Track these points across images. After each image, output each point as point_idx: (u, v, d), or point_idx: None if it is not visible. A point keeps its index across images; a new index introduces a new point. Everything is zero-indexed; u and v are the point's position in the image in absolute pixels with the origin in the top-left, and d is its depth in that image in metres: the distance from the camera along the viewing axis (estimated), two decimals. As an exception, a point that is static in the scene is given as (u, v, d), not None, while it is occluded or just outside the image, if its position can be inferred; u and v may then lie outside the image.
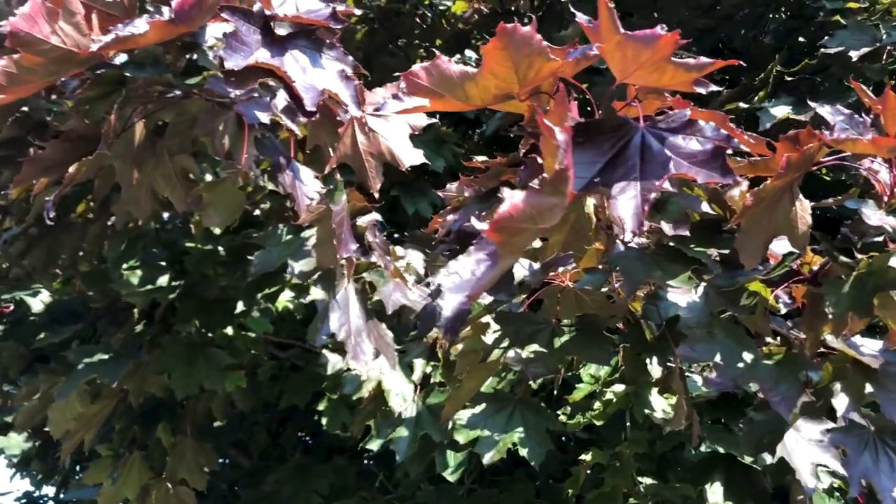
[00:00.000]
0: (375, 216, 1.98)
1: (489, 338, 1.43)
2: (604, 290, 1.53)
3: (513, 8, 3.34)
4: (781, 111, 2.30)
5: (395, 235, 2.82)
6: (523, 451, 2.05)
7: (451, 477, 2.12)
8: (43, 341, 2.33)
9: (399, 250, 2.26)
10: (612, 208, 0.90)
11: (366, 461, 3.12)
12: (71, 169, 1.43)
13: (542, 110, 1.25)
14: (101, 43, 1.18)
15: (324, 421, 2.55)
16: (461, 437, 2.14)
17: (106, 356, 2.13)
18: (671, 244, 1.20)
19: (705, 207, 1.21)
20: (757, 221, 1.13)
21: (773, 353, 1.22)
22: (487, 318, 1.46)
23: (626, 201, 0.91)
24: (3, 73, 1.22)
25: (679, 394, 1.28)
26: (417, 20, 3.39)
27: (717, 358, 1.18)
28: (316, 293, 1.93)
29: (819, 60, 2.32)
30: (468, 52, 3.68)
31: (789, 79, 2.35)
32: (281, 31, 1.43)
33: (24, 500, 4.29)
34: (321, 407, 2.54)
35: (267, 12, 1.37)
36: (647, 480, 1.96)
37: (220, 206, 1.66)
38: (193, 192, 1.65)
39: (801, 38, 2.46)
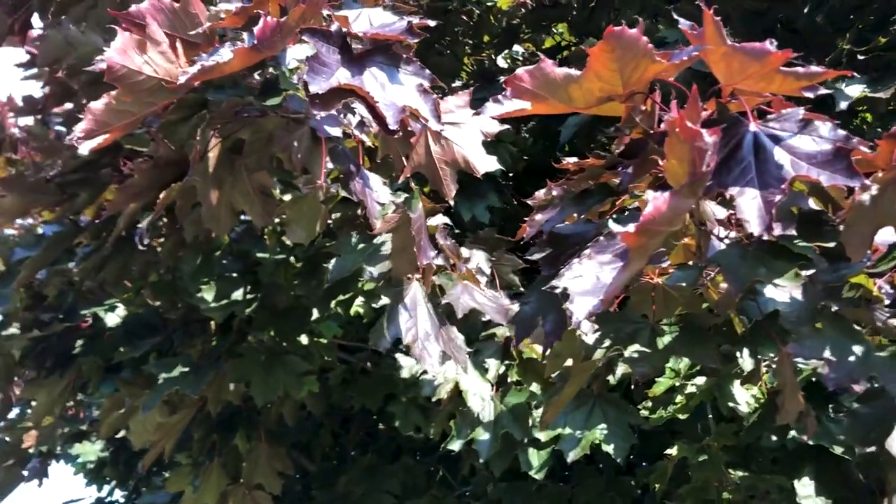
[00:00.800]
0: (444, 219, 1.99)
1: (590, 338, 1.42)
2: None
3: (560, 1, 3.31)
4: (856, 90, 2.24)
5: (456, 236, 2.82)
6: (607, 448, 2.05)
7: (538, 475, 2.12)
8: (122, 355, 2.38)
9: (464, 251, 2.26)
10: (736, 210, 0.89)
11: (434, 461, 3.14)
12: (161, 195, 1.45)
13: (639, 112, 1.25)
14: (189, 75, 1.19)
15: (397, 423, 2.57)
16: (543, 436, 2.15)
17: (186, 368, 2.17)
18: (773, 240, 1.19)
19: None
20: (864, 214, 1.11)
21: (885, 345, 1.20)
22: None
23: (748, 202, 0.90)
24: (107, 111, 1.24)
25: (789, 386, 1.27)
26: (464, 17, 3.38)
27: (828, 353, 1.16)
28: (386, 298, 1.95)
29: (892, 37, 2.25)
30: (517, 48, 3.67)
31: (861, 57, 2.30)
32: (357, 48, 1.44)
33: (98, 506, 4.40)
34: (393, 409, 2.57)
35: (345, 31, 1.37)
36: (739, 473, 1.94)
37: (303, 221, 1.67)
38: (277, 211, 1.67)
39: (869, 17, 2.40)
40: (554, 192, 1.64)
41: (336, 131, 1.64)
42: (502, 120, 1.87)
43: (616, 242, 1.07)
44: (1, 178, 2.05)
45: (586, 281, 1.02)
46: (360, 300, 2.30)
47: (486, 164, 1.66)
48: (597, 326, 1.47)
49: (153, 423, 2.49)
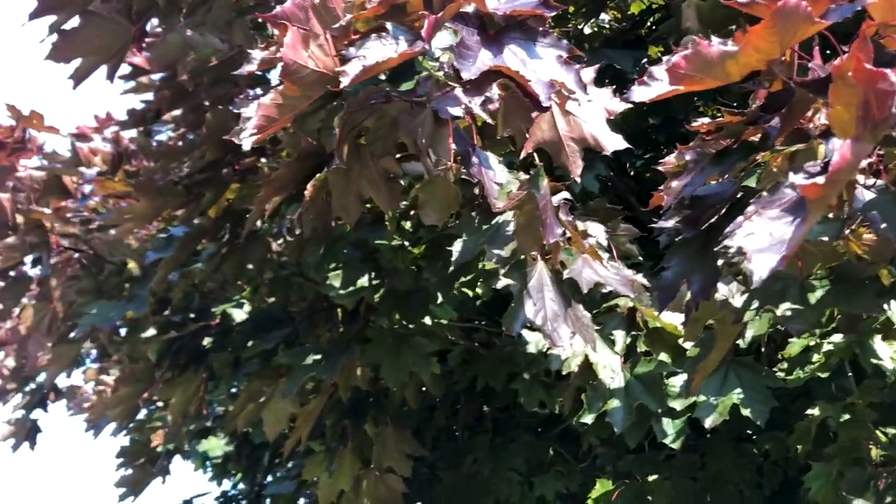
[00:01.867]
0: (566, 195, 1.98)
1: (737, 300, 1.40)
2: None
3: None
4: None
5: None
6: (746, 411, 2.01)
7: (675, 444, 2.10)
8: (252, 349, 2.46)
9: (579, 224, 2.25)
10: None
11: (554, 438, 3.14)
12: (309, 187, 1.49)
13: (777, 63, 1.21)
14: (353, 75, 1.21)
15: (521, 400, 2.58)
16: (677, 404, 2.12)
17: (318, 356, 2.23)
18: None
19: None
20: None
21: None
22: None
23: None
24: (274, 106, 1.28)
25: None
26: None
27: None
28: (508, 279, 1.96)
29: None
30: (603, 16, 3.60)
31: None
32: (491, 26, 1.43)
33: (221, 500, 4.58)
34: (516, 386, 2.58)
35: (481, 12, 1.37)
36: (890, 430, 1.88)
37: (436, 203, 1.69)
38: (411, 193, 1.70)
39: None
40: (687, 157, 1.61)
41: (458, 111, 1.64)
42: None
43: (782, 196, 1.05)
44: (134, 183, 2.14)
45: (761, 238, 0.99)
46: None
47: (614, 142, 1.64)
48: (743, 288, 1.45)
49: (285, 413, 2.57)
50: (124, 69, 3.37)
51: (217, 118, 1.98)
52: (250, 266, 2.66)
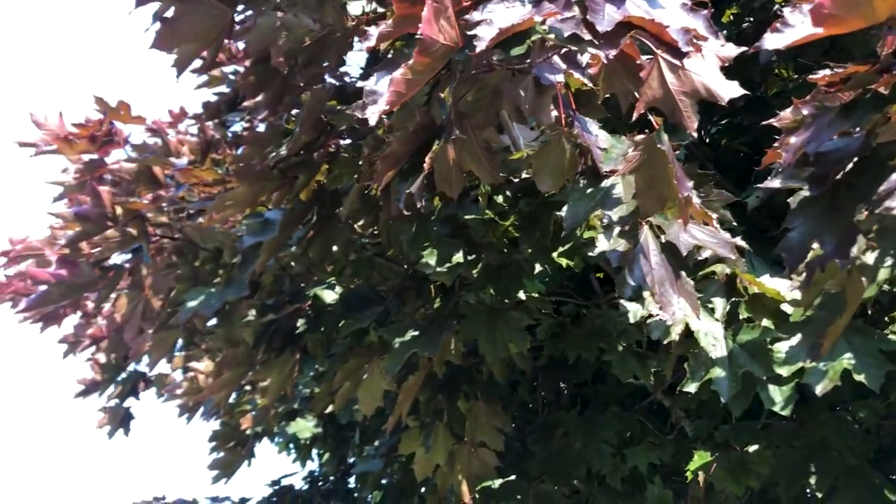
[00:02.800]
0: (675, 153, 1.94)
1: (869, 257, 1.35)
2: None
3: None
4: None
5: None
6: (859, 377, 1.95)
7: (784, 411, 2.05)
8: (346, 328, 2.49)
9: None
10: None
11: (642, 410, 3.11)
12: (427, 159, 1.49)
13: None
14: (486, 40, 1.20)
15: (614, 371, 2.57)
16: (784, 371, 2.08)
17: (416, 332, 2.25)
18: None
19: None
20: None
21: None
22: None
23: None
24: (404, 81, 1.28)
25: None
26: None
27: None
28: (603, 244, 1.93)
29: None
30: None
31: None
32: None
33: (308, 480, 4.67)
34: (609, 358, 2.57)
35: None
36: None
37: (549, 170, 1.68)
38: (525, 161, 1.69)
39: None
40: (804, 111, 1.56)
41: (559, 77, 1.63)
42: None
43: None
44: (233, 169, 2.18)
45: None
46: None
47: (730, 90, 1.59)
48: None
49: (379, 390, 2.60)
50: (196, 63, 3.44)
51: (315, 99, 2.00)
52: (335, 248, 2.70)
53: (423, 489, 3.87)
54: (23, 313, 2.34)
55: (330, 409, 3.74)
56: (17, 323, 2.49)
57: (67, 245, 2.21)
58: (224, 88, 3.99)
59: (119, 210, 2.28)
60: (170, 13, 1.77)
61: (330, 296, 2.63)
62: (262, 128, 2.90)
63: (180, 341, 4.81)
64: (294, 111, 2.46)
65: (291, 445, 5.03)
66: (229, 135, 3.55)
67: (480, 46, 1.19)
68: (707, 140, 3.55)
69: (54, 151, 3.02)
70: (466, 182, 1.84)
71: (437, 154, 1.75)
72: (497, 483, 2.69)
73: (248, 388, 3.98)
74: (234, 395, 4.01)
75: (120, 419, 4.75)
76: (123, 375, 4.74)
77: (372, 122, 1.25)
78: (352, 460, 4.37)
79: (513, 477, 2.74)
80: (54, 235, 2.31)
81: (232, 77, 3.94)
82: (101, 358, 4.48)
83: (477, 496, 2.66)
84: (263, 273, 2.82)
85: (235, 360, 2.54)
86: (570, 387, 3.72)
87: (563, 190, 1.88)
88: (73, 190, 3.42)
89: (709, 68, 1.62)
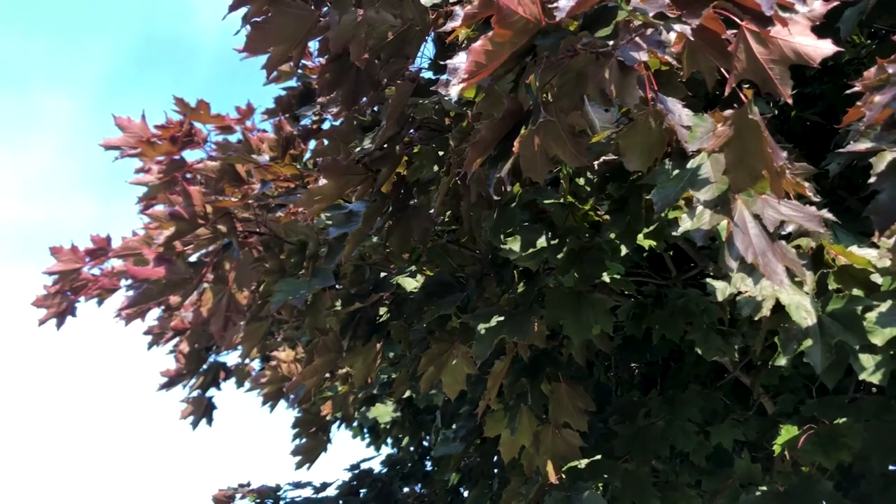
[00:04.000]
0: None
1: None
2: None
3: None
4: None
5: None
6: (962, 342, 1.92)
7: (878, 379, 2.03)
8: (430, 315, 2.54)
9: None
10: None
11: (724, 389, 3.10)
12: (516, 144, 1.52)
13: None
14: (567, 9, 1.23)
15: (699, 350, 2.57)
16: (878, 339, 2.06)
17: (502, 317, 2.28)
18: None
19: None
20: None
21: None
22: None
23: None
24: (483, 53, 1.31)
25: None
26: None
27: None
28: (686, 223, 1.93)
29: None
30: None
31: None
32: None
33: (387, 463, 4.78)
34: (693, 337, 2.57)
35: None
36: None
37: (638, 150, 1.69)
38: (616, 139, 1.70)
39: None
40: (889, 70, 1.53)
41: (643, 56, 1.64)
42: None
43: None
44: (321, 165, 2.24)
45: None
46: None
47: (822, 48, 1.57)
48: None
49: (462, 374, 2.65)
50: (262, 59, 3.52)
51: (400, 93, 2.05)
52: (413, 237, 2.75)
53: (498, 470, 3.93)
54: (125, 310, 2.45)
55: (408, 394, 3.83)
56: (111, 318, 2.60)
57: (164, 244, 2.30)
58: (293, 83, 4.07)
59: (209, 208, 2.36)
60: (259, 17, 1.83)
61: (411, 284, 2.69)
62: (334, 122, 2.97)
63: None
64: (370, 105, 2.51)
65: (366, 431, 5.15)
66: (300, 128, 3.63)
67: (560, 15, 1.22)
68: (777, 112, 3.50)
69: (138, 154, 3.14)
70: (552, 167, 1.86)
71: (524, 139, 1.78)
72: (583, 463, 2.72)
73: (327, 375, 4.08)
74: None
75: (203, 409, 4.92)
76: (204, 367, 4.90)
77: (453, 97, 1.29)
78: (429, 444, 4.46)
79: (598, 457, 2.76)
80: (149, 235, 2.41)
81: (300, 72, 4.02)
82: (185, 349, 4.64)
83: (564, 476, 2.69)
84: (344, 263, 2.89)
85: (326, 348, 2.62)
86: (640, 367, 3.72)
87: (651, 172, 1.89)
88: (156, 190, 3.55)
89: (798, 30, 1.60)
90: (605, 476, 2.70)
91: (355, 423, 4.85)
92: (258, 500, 4.51)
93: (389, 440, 4.60)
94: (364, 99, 2.64)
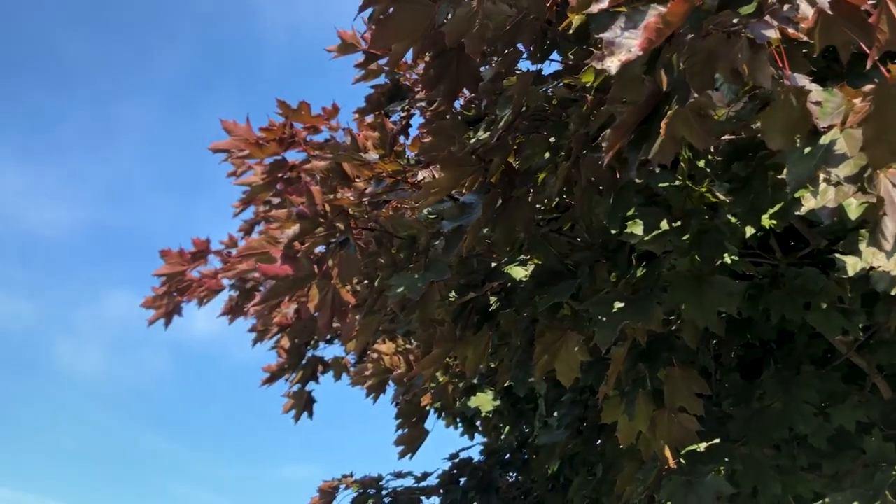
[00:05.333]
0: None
1: None
2: None
3: None
4: None
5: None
6: None
7: None
8: (543, 304, 2.55)
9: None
10: None
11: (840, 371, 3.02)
12: (662, 125, 1.52)
13: None
14: None
15: (820, 329, 2.51)
16: None
17: (622, 303, 2.28)
18: None
19: None
20: None
21: None
22: None
23: None
24: (655, 29, 1.32)
25: None
26: None
27: None
28: (811, 202, 1.89)
29: None
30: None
31: None
32: None
33: (486, 452, 4.82)
34: (813, 316, 2.51)
35: None
36: None
37: (779, 128, 1.67)
38: (730, 123, 1.68)
39: None
40: None
41: (772, 33, 1.62)
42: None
43: None
44: (439, 157, 2.28)
45: None
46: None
47: None
48: None
49: (576, 362, 2.65)
50: (357, 57, 3.58)
51: (521, 82, 2.06)
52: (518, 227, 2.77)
53: (602, 458, 3.92)
54: (254, 306, 2.53)
55: (507, 383, 3.85)
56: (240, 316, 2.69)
57: (289, 242, 2.38)
58: (381, 80, 4.13)
59: (328, 207, 2.42)
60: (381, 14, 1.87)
61: (521, 272, 2.71)
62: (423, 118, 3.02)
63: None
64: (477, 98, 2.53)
65: (459, 421, 5.20)
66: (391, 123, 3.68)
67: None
68: None
69: (246, 156, 3.24)
70: (678, 149, 1.85)
71: (670, 119, 1.77)
72: (703, 447, 2.69)
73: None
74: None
75: (304, 403, 5.05)
76: (303, 362, 5.03)
77: (613, 71, 1.30)
78: (528, 433, 4.48)
79: (717, 440, 2.73)
80: (271, 235, 2.49)
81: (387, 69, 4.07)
82: (286, 344, 4.78)
83: (683, 461, 2.67)
84: (464, 255, 2.92)
85: (444, 338, 2.66)
86: (738, 350, 3.65)
87: (780, 152, 1.86)
88: (259, 190, 3.66)
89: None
90: (726, 460, 2.67)
91: (469, 410, 4.88)
92: (361, 491, 4.61)
93: (485, 430, 4.63)
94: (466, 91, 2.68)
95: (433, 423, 5.08)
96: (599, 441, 3.90)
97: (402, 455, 4.40)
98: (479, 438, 5.24)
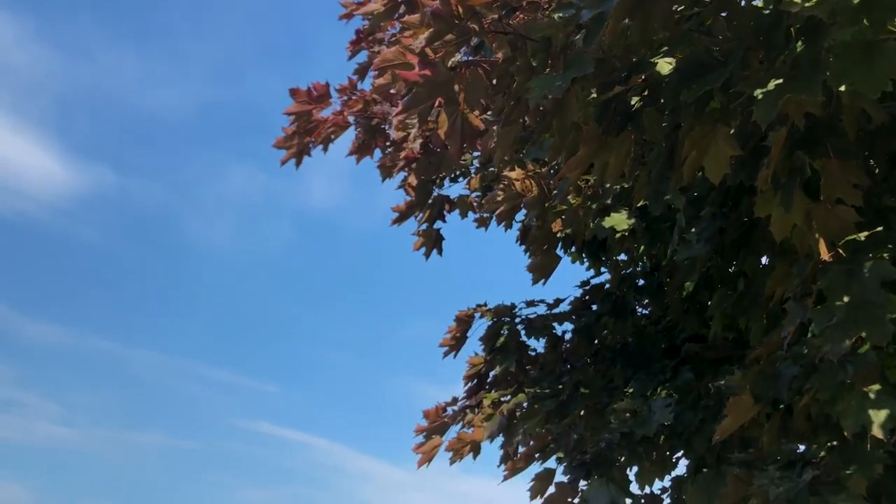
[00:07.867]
0: None
1: None
2: None
3: None
4: None
5: None
6: None
7: None
8: (690, 95, 2.44)
9: None
10: None
11: None
12: None
13: None
14: None
15: None
16: None
17: (780, 79, 2.15)
18: None
19: None
20: None
21: None
22: None
23: None
24: None
25: None
26: None
27: None
28: None
29: None
30: None
31: None
32: None
33: (619, 277, 4.83)
34: None
35: None
36: None
37: None
38: None
39: None
40: None
41: None
42: None
43: None
44: None
45: None
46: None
47: None
48: None
49: (726, 156, 2.56)
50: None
51: None
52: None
53: (742, 273, 3.84)
54: (399, 115, 2.55)
55: (641, 202, 3.78)
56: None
57: (427, 45, 2.35)
58: None
59: (461, 9, 2.36)
60: None
61: (667, 67, 2.58)
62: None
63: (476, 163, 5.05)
64: None
65: (584, 255, 5.17)
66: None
67: None
68: None
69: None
70: None
71: None
72: (863, 236, 2.58)
73: (555, 192, 4.12)
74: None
75: (433, 240, 5.18)
76: (430, 201, 5.12)
77: None
78: (660, 255, 4.43)
79: (879, 229, 2.61)
80: (403, 45, 2.46)
81: None
82: (413, 181, 4.86)
83: (841, 251, 2.58)
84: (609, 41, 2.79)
85: (588, 137, 2.61)
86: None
87: None
88: (380, 18, 3.61)
89: None
90: (889, 247, 2.55)
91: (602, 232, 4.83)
92: (495, 318, 4.75)
93: (618, 252, 4.59)
94: None
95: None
96: (737, 258, 3.81)
97: (534, 281, 4.49)
98: (605, 275, 5.21)
